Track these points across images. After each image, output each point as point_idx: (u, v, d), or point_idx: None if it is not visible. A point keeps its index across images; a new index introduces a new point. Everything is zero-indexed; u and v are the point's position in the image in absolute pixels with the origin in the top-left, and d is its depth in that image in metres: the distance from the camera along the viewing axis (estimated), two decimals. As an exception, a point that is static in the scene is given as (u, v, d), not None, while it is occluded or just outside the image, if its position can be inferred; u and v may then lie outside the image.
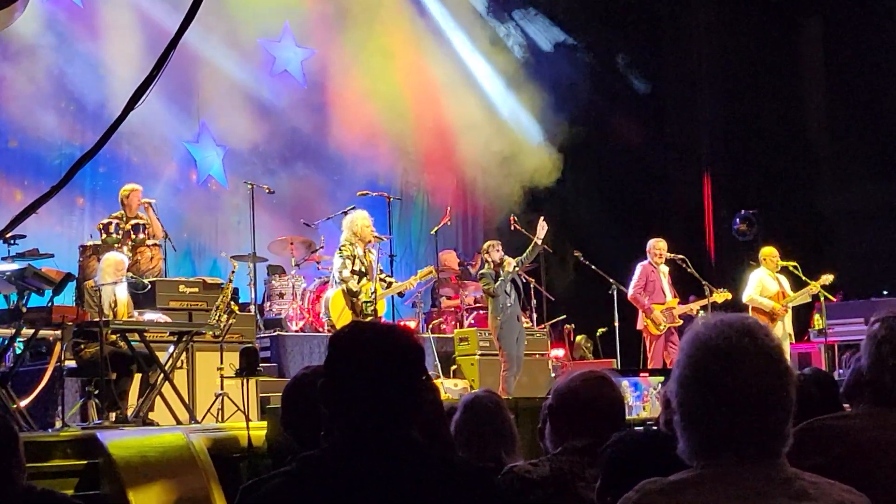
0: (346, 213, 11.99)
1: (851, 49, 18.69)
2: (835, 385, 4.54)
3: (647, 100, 19.40)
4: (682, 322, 12.49)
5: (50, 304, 9.17)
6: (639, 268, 12.83)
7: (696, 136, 19.95)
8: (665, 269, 12.89)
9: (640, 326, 12.81)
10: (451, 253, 16.18)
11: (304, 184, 16.38)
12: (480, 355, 13.21)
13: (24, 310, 9.15)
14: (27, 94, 14.10)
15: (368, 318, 10.71)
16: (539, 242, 12.32)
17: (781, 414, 2.16)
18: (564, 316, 15.66)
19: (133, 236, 11.72)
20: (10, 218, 7.38)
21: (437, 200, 17.52)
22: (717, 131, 19.88)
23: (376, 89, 16.59)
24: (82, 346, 9.64)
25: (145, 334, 9.92)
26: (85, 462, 7.53)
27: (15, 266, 9.45)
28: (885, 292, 15.69)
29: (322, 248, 14.24)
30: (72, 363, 9.76)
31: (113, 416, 9.37)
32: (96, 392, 9.53)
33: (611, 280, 13.42)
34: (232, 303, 10.74)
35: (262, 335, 12.74)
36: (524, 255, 12.37)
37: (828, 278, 13.09)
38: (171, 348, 10.11)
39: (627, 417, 4.01)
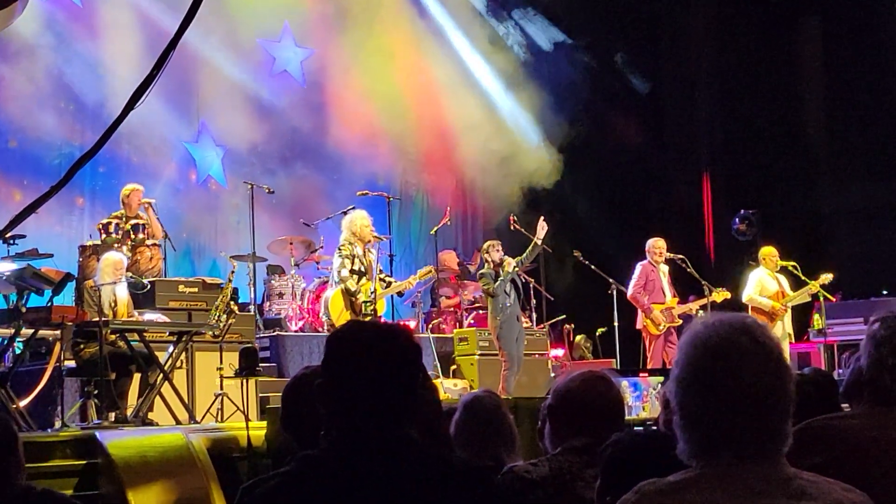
0: (345, 212, 11.99)
1: (850, 49, 18.69)
2: (834, 385, 4.54)
3: (647, 99, 19.41)
4: (681, 322, 12.49)
5: (49, 304, 9.17)
6: (638, 267, 12.83)
7: (695, 135, 19.96)
8: (665, 268, 12.89)
9: (639, 326, 12.81)
10: (451, 253, 16.18)
11: (304, 184, 16.38)
12: (480, 355, 13.21)
13: (24, 310, 9.15)
14: (27, 94, 14.10)
15: (368, 318, 10.71)
16: (539, 242, 12.33)
17: (781, 412, 2.15)
18: (564, 316, 15.66)
19: (133, 236, 11.72)
20: (9, 218, 7.38)
21: (436, 200, 17.52)
22: (717, 131, 19.89)
23: (376, 89, 16.60)
24: (82, 346, 9.64)
25: (145, 334, 9.92)
26: (84, 462, 7.53)
27: (14, 266, 9.45)
28: (884, 292, 15.69)
29: (321, 247, 14.24)
30: (71, 363, 9.76)
31: (112, 416, 9.37)
32: (96, 392, 9.53)
33: (610, 280, 13.43)
34: (231, 303, 10.75)
35: (262, 335, 12.74)
36: (524, 255, 12.37)
37: (827, 277, 13.10)
38: (171, 348, 10.11)
39: (627, 418, 4.00)
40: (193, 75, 15.39)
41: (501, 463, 3.96)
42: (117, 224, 11.80)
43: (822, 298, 13.47)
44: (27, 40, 13.92)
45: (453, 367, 13.36)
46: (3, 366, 9.74)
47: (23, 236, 10.44)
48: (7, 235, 9.50)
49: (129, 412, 9.48)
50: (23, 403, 9.26)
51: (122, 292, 10.22)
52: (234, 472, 7.82)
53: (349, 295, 11.17)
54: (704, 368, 2.15)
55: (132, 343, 9.73)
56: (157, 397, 9.65)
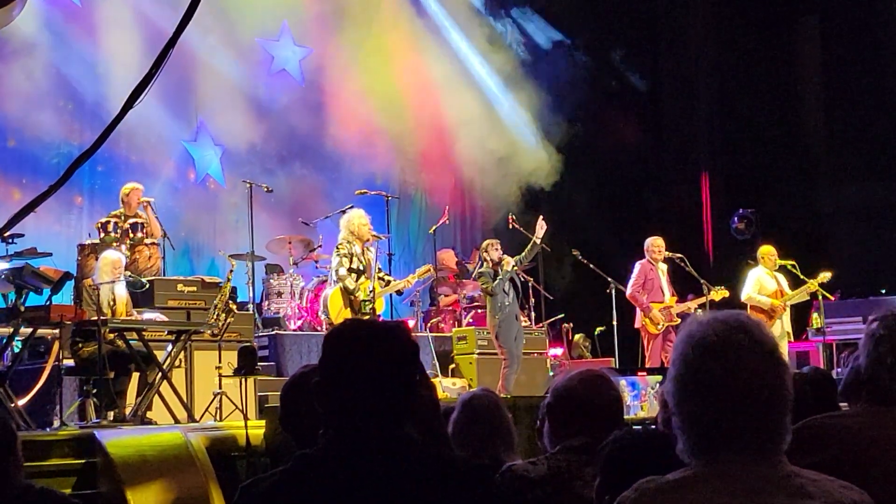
0: (343, 212, 11.99)
1: (849, 48, 18.71)
2: (833, 384, 4.54)
3: (645, 99, 19.42)
4: (680, 321, 12.48)
5: (48, 303, 9.17)
6: (637, 266, 12.83)
7: (694, 135, 19.96)
8: (664, 267, 12.89)
9: (638, 325, 12.81)
10: (450, 252, 16.18)
11: (303, 183, 16.38)
12: (479, 354, 13.20)
13: (23, 308, 9.15)
14: (25, 93, 14.10)
15: (366, 317, 10.71)
16: (538, 241, 12.34)
17: (780, 408, 2.15)
18: (563, 315, 15.66)
19: (131, 235, 11.72)
20: (8, 217, 7.38)
21: (435, 199, 17.52)
22: (716, 130, 19.89)
23: (374, 88, 16.59)
24: (80, 345, 9.63)
25: (143, 333, 9.91)
26: (83, 461, 7.53)
27: (13, 265, 9.45)
28: (882, 291, 15.70)
29: (320, 246, 14.24)
30: (70, 362, 9.76)
31: (111, 415, 9.37)
32: (94, 391, 9.52)
33: (609, 279, 13.43)
34: (230, 302, 10.74)
35: (261, 334, 12.73)
36: (523, 254, 12.38)
37: (826, 276, 13.10)
38: (170, 347, 10.11)
39: (625, 417, 4.01)
40: (192, 74, 15.39)
41: (500, 462, 3.96)
42: (116, 223, 11.79)
43: (820, 297, 13.48)
44: (26, 39, 13.92)
45: (452, 366, 13.36)
46: (2, 364, 9.73)
47: (21, 235, 10.44)
48: (6, 234, 9.49)
49: (127, 411, 9.49)
50: (21, 402, 9.26)
51: (121, 291, 10.22)
52: (232, 470, 7.83)
53: (348, 293, 11.18)
54: (702, 367, 2.15)
55: (131, 342, 9.73)
56: (156, 396, 9.65)
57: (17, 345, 9.84)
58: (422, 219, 17.57)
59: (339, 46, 16.70)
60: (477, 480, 2.51)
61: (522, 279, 13.14)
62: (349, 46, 16.60)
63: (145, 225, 11.92)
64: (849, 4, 18.70)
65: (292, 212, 15.65)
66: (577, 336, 16.53)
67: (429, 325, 14.47)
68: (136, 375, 9.82)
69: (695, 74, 19.92)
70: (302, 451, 2.50)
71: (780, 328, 12.76)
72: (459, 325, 14.37)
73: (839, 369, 13.12)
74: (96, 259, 10.56)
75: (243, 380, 9.58)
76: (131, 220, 11.82)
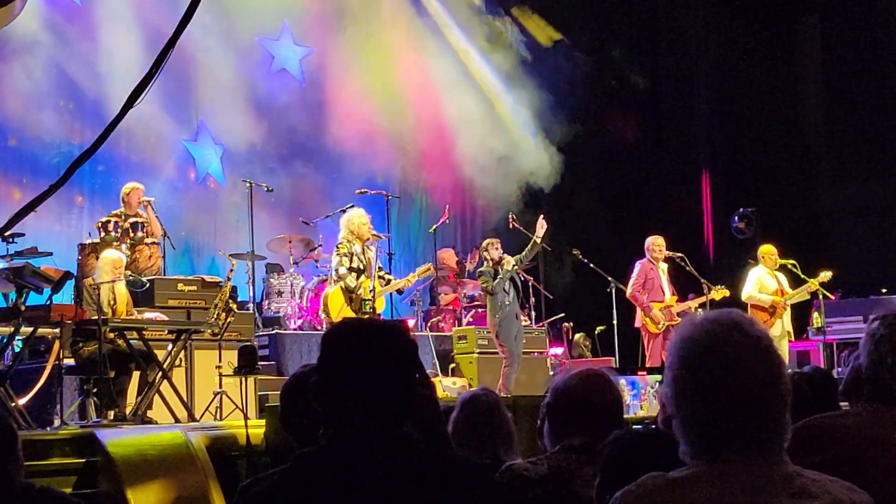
0: (344, 211, 11.99)
1: (849, 47, 18.71)
2: (833, 383, 4.55)
3: (645, 98, 19.41)
4: (680, 320, 12.47)
5: (48, 303, 9.16)
6: (638, 265, 12.83)
7: (694, 134, 19.96)
8: (664, 266, 12.89)
9: (638, 324, 12.81)
10: (450, 251, 16.18)
11: (303, 182, 16.38)
12: (479, 353, 13.21)
13: (23, 308, 9.15)
14: (26, 93, 14.11)
15: (366, 316, 10.71)
16: (538, 241, 12.34)
17: (778, 404, 2.15)
18: (563, 314, 15.66)
19: (132, 234, 11.72)
20: (8, 216, 7.37)
21: (435, 198, 17.52)
22: (716, 129, 19.88)
23: (375, 88, 16.60)
24: (81, 345, 9.63)
25: (144, 332, 9.91)
26: (83, 460, 7.53)
27: (14, 264, 9.45)
28: (883, 290, 15.70)
29: (320, 246, 14.23)
30: (70, 361, 9.75)
31: (111, 414, 9.36)
32: (95, 390, 9.53)
33: (609, 278, 13.44)
34: (230, 301, 10.74)
35: (261, 333, 12.74)
36: (523, 253, 12.39)
37: (826, 274, 13.10)
38: (170, 346, 10.11)
39: (625, 416, 4.01)
40: (192, 74, 15.39)
41: (500, 461, 3.96)
42: (116, 222, 11.79)
43: (821, 296, 13.48)
44: (26, 38, 13.92)
45: (452, 365, 13.36)
46: (3, 364, 9.73)
47: (22, 234, 10.45)
48: (6, 234, 9.50)
49: (128, 410, 9.48)
50: (22, 402, 9.26)
51: (122, 291, 10.22)
52: (232, 470, 7.82)
53: (348, 292, 11.18)
54: (699, 368, 2.15)
55: (131, 341, 9.73)
56: (156, 396, 9.65)
57: (17, 344, 9.84)
58: (422, 218, 17.57)
59: (340, 46, 16.69)
60: (477, 480, 2.51)
61: (523, 278, 13.14)
62: (349, 45, 16.60)
63: (146, 224, 11.92)
64: (849, 4, 18.70)
65: (292, 211, 15.66)
66: (577, 335, 16.53)
67: (429, 324, 14.47)
68: (136, 375, 9.81)
69: (695, 74, 19.91)
70: (302, 450, 2.50)
71: (781, 327, 12.77)
72: (459, 325, 14.37)
73: (839, 369, 13.13)
74: (97, 258, 10.57)
75: (243, 379, 9.59)
76: (132, 220, 11.82)
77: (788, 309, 13.00)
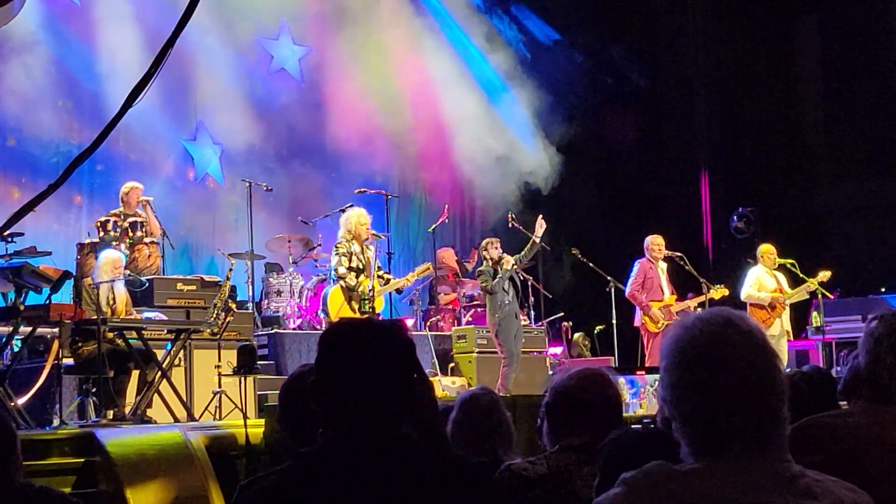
0: (343, 210, 12.00)
1: (848, 46, 18.69)
2: (832, 382, 4.54)
3: (644, 97, 19.40)
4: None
5: (48, 302, 9.17)
6: (637, 265, 12.83)
7: (693, 133, 19.95)
8: (663, 265, 12.90)
9: (637, 323, 12.82)
10: (449, 250, 16.17)
11: (302, 182, 16.36)
12: (478, 353, 13.21)
13: (22, 307, 9.15)
14: (24, 92, 14.10)
15: (366, 315, 10.72)
16: (537, 240, 12.35)
17: (776, 397, 2.15)
18: (562, 313, 15.66)
19: (131, 234, 11.73)
20: (7, 216, 7.37)
21: (434, 198, 17.51)
22: (715, 129, 19.88)
23: (374, 87, 16.59)
24: (80, 344, 9.63)
25: (143, 332, 9.91)
26: (82, 460, 7.53)
27: (13, 264, 9.45)
28: (882, 289, 15.70)
29: (320, 245, 14.23)
30: (69, 361, 9.75)
31: (110, 413, 9.37)
32: (94, 390, 9.53)
33: (608, 277, 13.44)
34: (229, 301, 10.74)
35: (260, 333, 12.74)
36: (523, 252, 12.40)
37: (826, 274, 13.11)
38: (169, 346, 10.11)
39: (624, 415, 4.00)
40: (191, 73, 15.38)
41: (499, 461, 3.96)
42: (115, 222, 11.80)
43: (820, 296, 13.48)
44: (25, 38, 13.93)
45: (451, 364, 13.36)
46: (2, 364, 9.73)
47: (21, 234, 10.45)
48: (5, 233, 9.50)
49: (127, 410, 9.49)
50: (21, 401, 9.26)
51: (121, 290, 10.22)
52: (232, 469, 7.83)
53: (348, 292, 11.18)
54: (697, 368, 2.15)
55: (130, 341, 9.72)
56: (156, 395, 9.65)
57: (16, 344, 9.84)
58: (421, 217, 17.57)
59: (339, 45, 16.69)
60: (476, 479, 2.51)
61: (522, 278, 13.14)
62: (349, 45, 16.59)
63: (145, 224, 11.93)
64: (848, 3, 18.69)
65: (291, 210, 15.65)
66: (576, 335, 16.52)
67: (428, 323, 14.47)
68: (135, 374, 9.82)
69: (694, 73, 19.90)
70: (300, 450, 2.50)
71: (780, 327, 12.78)
72: (459, 324, 14.37)
73: (839, 368, 13.13)
74: (95, 258, 10.57)
75: (243, 379, 9.59)
76: (131, 219, 11.83)
77: (787, 308, 13.01)
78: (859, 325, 11.88)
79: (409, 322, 14.01)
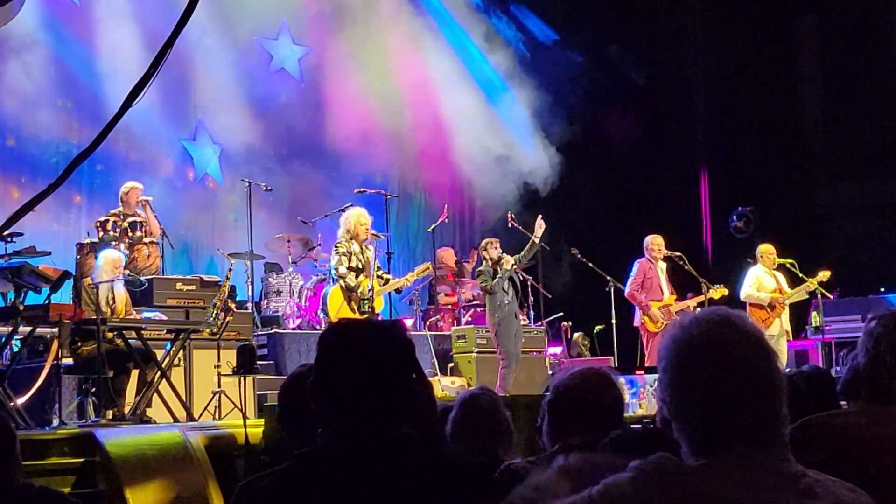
0: (343, 210, 11.99)
1: (848, 46, 18.69)
2: (832, 382, 4.54)
3: (644, 97, 19.40)
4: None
5: (47, 302, 9.16)
6: (636, 265, 12.83)
7: (692, 132, 19.95)
8: (663, 265, 12.90)
9: (637, 323, 12.82)
10: (449, 250, 16.17)
11: (301, 181, 16.36)
12: (477, 353, 13.20)
13: (22, 307, 9.15)
14: (24, 92, 14.09)
15: (365, 315, 10.72)
16: (537, 240, 12.35)
17: (775, 395, 2.15)
18: (562, 313, 15.65)
19: (130, 234, 11.72)
20: (7, 216, 7.37)
21: (434, 198, 17.51)
22: (714, 128, 19.88)
23: (373, 87, 16.58)
24: (79, 344, 9.63)
25: (142, 332, 9.91)
26: (82, 460, 7.53)
27: (12, 263, 9.45)
28: (882, 289, 15.70)
29: (319, 245, 14.23)
30: (69, 361, 9.75)
31: (110, 413, 9.37)
32: (93, 390, 9.53)
33: (608, 277, 13.44)
34: (229, 300, 10.74)
35: (260, 333, 12.73)
36: (522, 252, 12.40)
37: (825, 274, 13.11)
38: (169, 346, 10.11)
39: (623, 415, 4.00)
40: (190, 73, 15.38)
41: (499, 460, 3.96)
42: (115, 222, 11.80)
43: (819, 296, 13.48)
44: (25, 37, 13.92)
45: (451, 364, 13.36)
46: (1, 363, 9.73)
47: (20, 234, 10.44)
48: (5, 233, 9.50)
49: (126, 410, 9.49)
50: (20, 401, 9.26)
51: (120, 290, 10.22)
52: (231, 469, 7.83)
53: (348, 291, 11.18)
54: (697, 368, 2.14)
55: (130, 341, 9.72)
56: (155, 395, 9.65)
57: (15, 343, 9.84)
58: (421, 217, 17.57)
59: (338, 45, 16.68)
60: (475, 479, 2.51)
61: (521, 278, 13.14)
62: (348, 45, 16.59)
63: (144, 224, 11.93)
64: (848, 3, 18.69)
65: (291, 210, 15.65)
66: (576, 335, 16.52)
67: (427, 323, 14.47)
68: (135, 374, 9.82)
69: (694, 72, 19.90)
70: (300, 450, 2.50)
71: (779, 326, 12.78)
72: (458, 324, 14.37)
73: (838, 367, 13.12)
74: (95, 258, 10.57)
75: (242, 379, 9.59)
76: (130, 219, 11.83)
77: (787, 308, 13.01)
78: (859, 324, 11.85)
79: (409, 322, 14.01)
